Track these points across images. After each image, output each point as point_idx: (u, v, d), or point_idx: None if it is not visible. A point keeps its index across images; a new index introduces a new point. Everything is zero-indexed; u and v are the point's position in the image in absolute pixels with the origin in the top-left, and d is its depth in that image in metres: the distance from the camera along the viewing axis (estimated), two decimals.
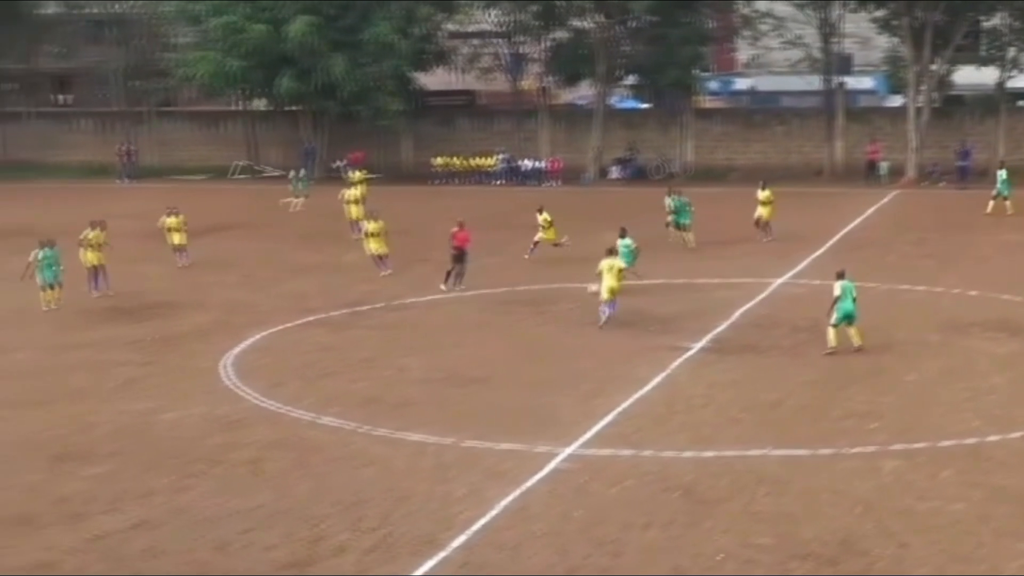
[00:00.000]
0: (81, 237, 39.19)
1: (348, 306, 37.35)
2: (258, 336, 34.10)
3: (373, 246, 41.82)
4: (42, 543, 20.38)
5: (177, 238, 45.39)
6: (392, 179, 62.94)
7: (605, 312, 33.67)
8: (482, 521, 20.70)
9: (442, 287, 38.86)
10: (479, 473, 23.11)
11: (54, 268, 37.72)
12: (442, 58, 75.61)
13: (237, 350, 32.62)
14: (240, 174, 73.88)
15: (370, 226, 42.40)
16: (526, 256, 43.29)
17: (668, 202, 47.49)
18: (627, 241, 37.88)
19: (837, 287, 30.24)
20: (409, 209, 56.43)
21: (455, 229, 39.52)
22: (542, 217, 44.15)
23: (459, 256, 39.05)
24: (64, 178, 74.43)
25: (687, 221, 46.27)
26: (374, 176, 57.65)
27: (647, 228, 45.05)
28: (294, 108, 73.17)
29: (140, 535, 20.63)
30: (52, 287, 37.66)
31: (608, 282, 33.45)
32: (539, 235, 43.99)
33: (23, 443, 25.42)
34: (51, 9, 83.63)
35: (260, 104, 76.24)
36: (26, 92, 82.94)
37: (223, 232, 53.44)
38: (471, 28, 77.77)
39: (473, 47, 77.90)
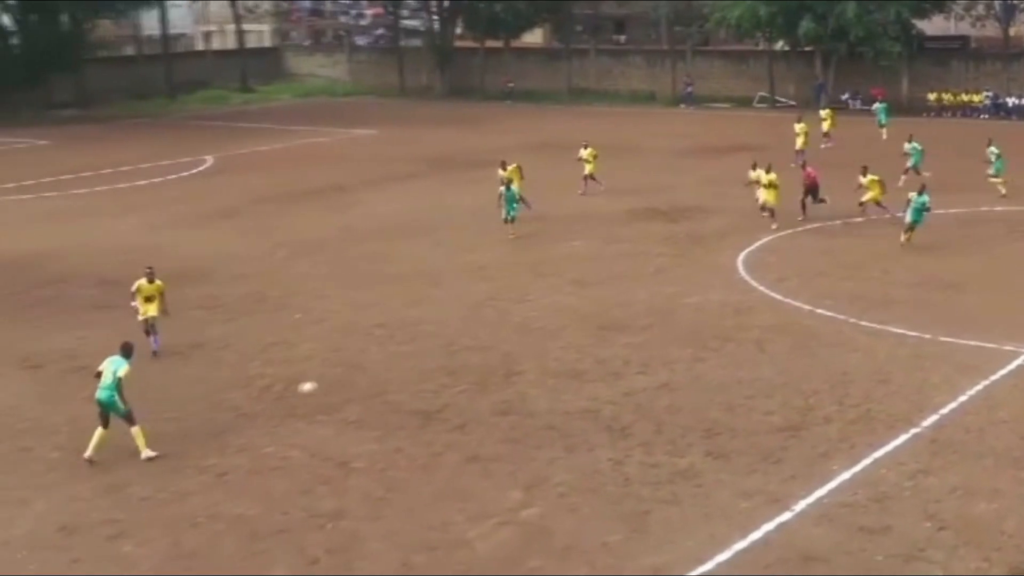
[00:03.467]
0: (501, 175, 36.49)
1: (842, 217, 36.49)
2: (766, 239, 33.92)
3: (765, 196, 35.07)
4: (587, 394, 21.23)
5: (588, 168, 41.32)
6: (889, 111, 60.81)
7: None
8: (951, 405, 20.12)
9: (799, 217, 35.63)
10: (951, 365, 22.35)
11: (514, 204, 34.46)
12: (940, 7, 71.94)
13: (749, 249, 32.62)
14: (759, 103, 73.15)
15: (765, 177, 35.32)
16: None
17: (906, 147, 42.09)
18: (923, 199, 31.81)
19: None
20: (900, 137, 54.42)
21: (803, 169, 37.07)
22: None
23: (810, 190, 36.14)
24: (616, 104, 75.93)
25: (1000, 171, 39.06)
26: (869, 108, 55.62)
27: None
28: (808, 49, 71.63)
29: (664, 394, 21.15)
30: (508, 221, 34.41)
31: None
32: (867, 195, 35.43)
33: (578, 313, 26.43)
34: None
35: (779, 45, 75.00)
36: (591, 33, 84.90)
37: (743, 152, 53.06)
38: None
39: None
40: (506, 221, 34.43)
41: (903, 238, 31.99)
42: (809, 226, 35.46)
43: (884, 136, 52.86)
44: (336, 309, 27.49)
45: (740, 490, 17.06)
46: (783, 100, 72.70)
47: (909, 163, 41.44)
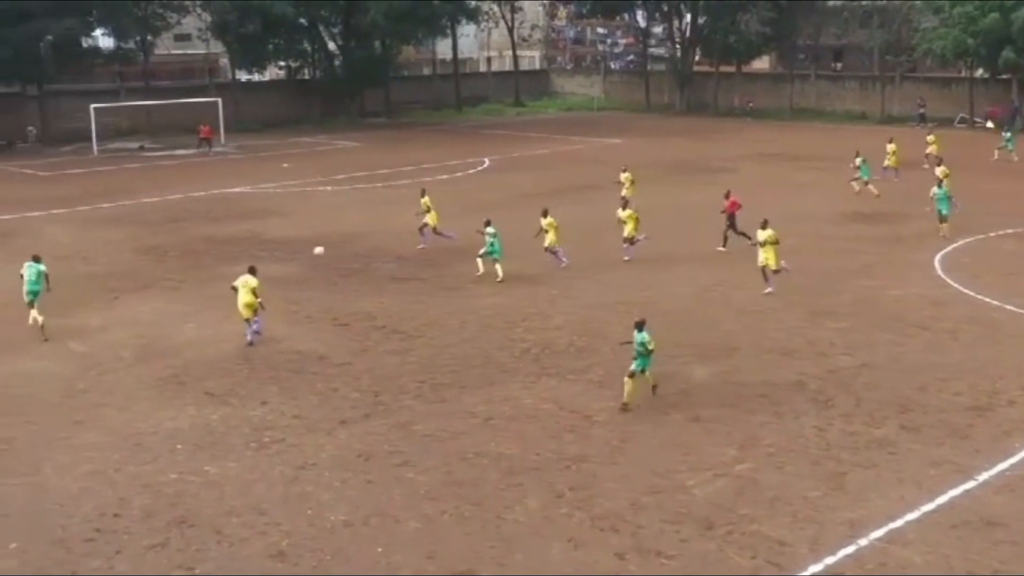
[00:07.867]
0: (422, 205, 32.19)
1: None
2: (962, 241, 32.21)
3: (764, 256, 26.52)
4: (796, 369, 20.65)
5: (625, 190, 36.01)
6: None
7: None
8: None
9: (719, 248, 31.01)
10: None
11: (496, 246, 28.08)
12: None
13: (946, 250, 31.05)
14: (959, 124, 69.49)
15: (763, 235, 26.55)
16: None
17: (857, 161, 40.02)
18: None
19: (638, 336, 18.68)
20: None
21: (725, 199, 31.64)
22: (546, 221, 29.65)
23: (729, 220, 31.21)
24: (831, 122, 73.49)
25: (946, 212, 32.46)
26: None
27: None
28: (1005, 76, 67.64)
29: (864, 372, 20.39)
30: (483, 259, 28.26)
31: None
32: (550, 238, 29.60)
33: (791, 299, 25.69)
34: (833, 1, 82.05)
35: (979, 72, 71.04)
36: (812, 60, 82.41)
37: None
38: None
39: None
40: (485, 258, 28.19)
41: None
42: (1003, 232, 33.55)
43: (995, 156, 49.38)
44: (585, 287, 27.51)
45: (929, 459, 16.28)
46: (980, 121, 68.97)
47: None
